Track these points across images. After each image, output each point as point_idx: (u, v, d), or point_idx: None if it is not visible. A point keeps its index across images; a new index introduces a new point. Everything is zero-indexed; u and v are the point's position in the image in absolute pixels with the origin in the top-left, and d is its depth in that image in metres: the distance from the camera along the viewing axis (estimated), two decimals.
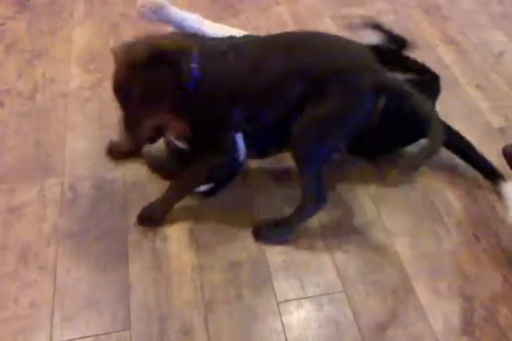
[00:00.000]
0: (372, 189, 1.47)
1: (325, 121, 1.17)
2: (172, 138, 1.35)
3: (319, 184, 1.25)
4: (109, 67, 1.79)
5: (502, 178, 1.45)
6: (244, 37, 1.32)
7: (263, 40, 1.25)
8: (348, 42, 1.23)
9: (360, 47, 1.24)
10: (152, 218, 1.35)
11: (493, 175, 1.48)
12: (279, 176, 1.50)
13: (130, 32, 1.95)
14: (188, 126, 1.21)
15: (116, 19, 2.02)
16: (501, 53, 1.96)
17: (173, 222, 1.37)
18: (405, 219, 1.41)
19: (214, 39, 1.31)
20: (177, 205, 1.37)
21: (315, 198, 1.26)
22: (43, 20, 2.03)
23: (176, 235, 1.34)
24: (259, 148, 1.44)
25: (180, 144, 1.34)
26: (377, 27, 1.52)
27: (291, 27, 1.99)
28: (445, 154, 1.56)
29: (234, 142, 1.30)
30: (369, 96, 1.17)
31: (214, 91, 1.17)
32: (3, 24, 2.00)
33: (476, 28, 2.08)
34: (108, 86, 1.71)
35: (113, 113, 1.63)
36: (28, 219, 1.37)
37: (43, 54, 1.87)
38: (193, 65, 1.14)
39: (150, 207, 1.35)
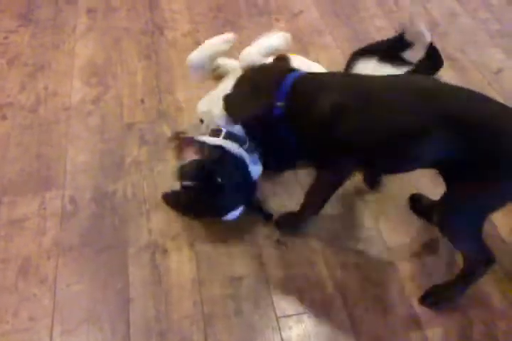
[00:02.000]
0: (372, 204, 1.48)
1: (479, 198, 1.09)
2: None
3: (480, 245, 1.16)
4: (111, 81, 1.83)
5: None
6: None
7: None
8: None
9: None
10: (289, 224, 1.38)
11: None
12: (278, 191, 1.50)
13: (132, 46, 1.98)
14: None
15: (118, 33, 2.04)
16: (499, 70, 1.98)
17: (173, 236, 1.37)
18: (404, 233, 1.41)
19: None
20: (177, 219, 1.38)
21: (483, 259, 1.18)
22: (45, 33, 2.05)
23: (176, 249, 1.34)
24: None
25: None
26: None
27: (291, 44, 2.01)
28: None
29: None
30: None
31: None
32: (6, 37, 2.02)
33: (475, 45, 2.10)
34: (110, 99, 1.76)
35: (114, 126, 1.67)
36: (29, 233, 1.37)
37: (45, 67, 1.89)
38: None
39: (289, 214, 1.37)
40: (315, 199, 1.32)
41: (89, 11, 2.16)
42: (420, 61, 1.26)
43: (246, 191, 1.32)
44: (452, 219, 1.14)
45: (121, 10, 2.17)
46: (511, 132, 1.03)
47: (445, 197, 1.14)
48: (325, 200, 1.31)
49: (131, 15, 2.14)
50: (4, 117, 1.70)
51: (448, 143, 1.05)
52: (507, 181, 1.05)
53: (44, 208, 1.43)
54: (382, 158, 1.16)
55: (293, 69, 1.25)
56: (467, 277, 1.23)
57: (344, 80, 1.18)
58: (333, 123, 1.11)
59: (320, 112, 1.11)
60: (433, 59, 1.47)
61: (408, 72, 1.36)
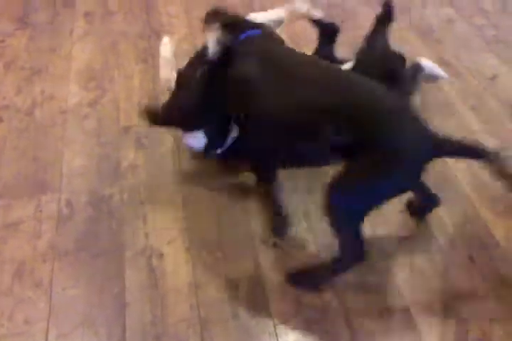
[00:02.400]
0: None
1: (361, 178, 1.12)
2: None
3: (354, 238, 1.18)
4: (108, 85, 1.83)
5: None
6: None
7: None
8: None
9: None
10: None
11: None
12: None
13: (129, 50, 1.98)
14: None
15: (115, 37, 2.04)
16: (495, 76, 1.99)
17: (169, 239, 1.37)
18: (401, 239, 1.41)
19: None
20: (174, 223, 1.38)
21: (351, 254, 1.20)
22: (43, 37, 2.05)
23: (172, 253, 1.34)
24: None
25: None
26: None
27: None
28: (440, 176, 1.58)
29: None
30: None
31: None
32: (3, 41, 2.02)
33: (470, 51, 2.12)
34: (107, 103, 1.76)
35: (111, 130, 1.66)
36: (24, 236, 1.37)
37: (42, 71, 1.89)
38: None
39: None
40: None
41: (87, 14, 2.17)
42: None
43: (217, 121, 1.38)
44: (334, 197, 1.14)
45: (119, 13, 2.17)
46: (390, 123, 1.08)
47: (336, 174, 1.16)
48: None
49: (128, 18, 2.15)
50: (0, 120, 1.70)
51: (341, 128, 1.10)
52: (395, 169, 1.09)
53: (40, 211, 1.43)
54: (291, 136, 1.19)
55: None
56: (332, 266, 1.25)
57: (268, 50, 1.27)
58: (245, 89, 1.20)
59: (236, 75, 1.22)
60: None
61: None
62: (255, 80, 1.19)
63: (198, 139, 1.41)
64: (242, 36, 1.32)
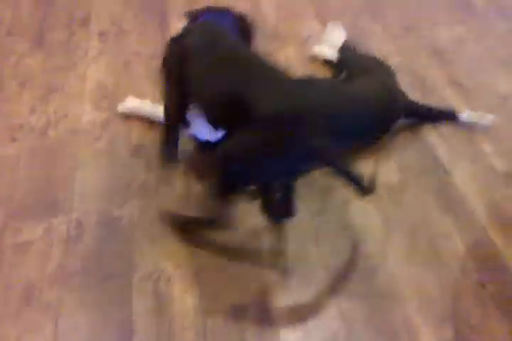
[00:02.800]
0: (377, 233, 1.47)
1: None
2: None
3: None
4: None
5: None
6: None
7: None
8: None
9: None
10: None
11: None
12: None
13: (142, 69, 2.00)
14: None
15: (129, 57, 2.07)
16: (507, 97, 1.98)
17: (177, 264, 1.37)
18: (411, 263, 1.40)
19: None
20: (183, 246, 1.39)
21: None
22: (58, 56, 2.08)
23: (179, 278, 1.34)
24: None
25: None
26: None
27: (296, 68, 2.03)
28: (450, 199, 1.57)
29: None
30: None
31: None
32: (19, 60, 2.05)
33: (481, 71, 2.11)
34: (119, 123, 1.77)
35: (123, 150, 1.68)
36: (34, 258, 1.38)
37: (57, 90, 1.91)
38: None
39: None
40: None
41: (101, 34, 2.20)
42: None
43: None
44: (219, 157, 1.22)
45: (133, 33, 2.20)
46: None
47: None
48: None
49: (141, 38, 2.17)
50: (14, 139, 1.72)
51: None
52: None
53: (50, 232, 1.44)
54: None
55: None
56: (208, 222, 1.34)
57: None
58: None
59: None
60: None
61: None
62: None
63: (200, 129, 1.44)
64: (200, 19, 1.52)
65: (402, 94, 1.77)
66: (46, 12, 2.31)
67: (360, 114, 1.63)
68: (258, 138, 1.16)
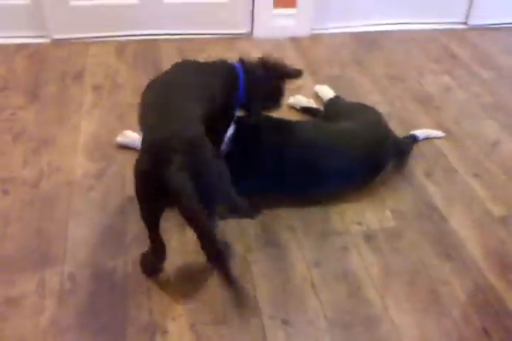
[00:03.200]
0: (377, 279, 1.45)
1: None
2: None
3: None
4: (114, 155, 1.85)
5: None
6: None
7: None
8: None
9: None
10: None
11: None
12: (282, 265, 1.48)
13: (136, 121, 2.01)
14: None
15: (123, 109, 2.09)
16: (496, 143, 2.01)
17: (174, 316, 1.33)
18: (412, 311, 1.38)
19: None
20: (179, 298, 1.35)
21: None
22: (52, 109, 2.10)
23: (176, 330, 1.30)
24: None
25: None
26: None
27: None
28: (448, 244, 1.57)
29: None
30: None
31: None
32: (13, 114, 2.06)
33: (470, 118, 2.16)
34: (112, 174, 1.77)
35: (116, 201, 1.67)
36: (26, 312, 1.33)
37: (49, 143, 1.92)
38: None
39: None
40: None
41: (95, 87, 2.23)
42: None
43: None
44: None
45: (127, 86, 2.24)
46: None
47: None
48: None
49: (135, 91, 2.19)
50: (6, 192, 1.70)
51: None
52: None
53: (42, 286, 1.40)
54: None
55: None
56: None
57: None
58: None
59: None
60: None
61: None
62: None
63: None
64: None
65: (391, 131, 1.80)
66: (40, 67, 2.36)
67: (349, 152, 1.65)
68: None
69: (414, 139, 1.93)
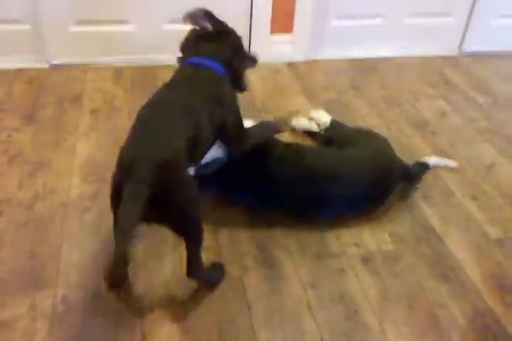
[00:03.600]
0: (375, 303, 1.43)
1: None
2: None
3: None
4: (109, 178, 1.83)
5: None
6: None
7: None
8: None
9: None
10: None
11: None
12: (277, 286, 1.46)
13: None
14: None
15: (120, 133, 2.09)
16: (492, 165, 2.02)
17: (167, 338, 1.31)
18: (411, 336, 1.35)
19: None
20: (173, 323, 1.33)
21: None
22: (48, 132, 2.10)
23: None
24: None
25: None
26: None
27: None
28: (445, 267, 1.55)
29: None
30: None
31: None
32: (9, 136, 2.07)
33: (465, 142, 2.17)
34: (107, 196, 1.75)
35: (110, 223, 1.64)
36: (17, 335, 1.31)
37: (45, 165, 1.91)
38: None
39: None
40: None
41: (93, 111, 2.24)
42: None
43: None
44: None
45: (124, 111, 2.25)
46: None
47: None
48: None
49: (132, 115, 2.19)
50: (0, 214, 1.69)
51: None
52: None
53: (34, 308, 1.37)
54: None
55: None
56: None
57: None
58: None
59: None
60: None
61: None
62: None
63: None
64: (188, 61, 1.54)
65: (397, 157, 1.79)
66: (39, 90, 2.37)
67: (357, 178, 1.65)
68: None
69: (425, 167, 1.91)
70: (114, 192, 1.26)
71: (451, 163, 1.99)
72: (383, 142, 1.82)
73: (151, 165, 1.20)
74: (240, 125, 1.55)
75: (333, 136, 1.97)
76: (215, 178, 1.66)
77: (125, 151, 1.29)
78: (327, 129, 2.06)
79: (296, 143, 1.83)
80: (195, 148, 1.35)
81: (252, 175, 1.65)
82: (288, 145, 1.77)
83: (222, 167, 1.63)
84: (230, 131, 1.50)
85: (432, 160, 1.94)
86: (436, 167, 1.94)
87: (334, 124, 2.07)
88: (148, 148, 1.25)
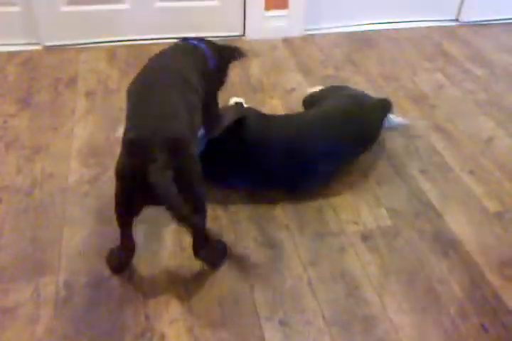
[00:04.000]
0: (374, 279, 1.45)
1: None
2: None
3: None
4: (109, 161, 1.84)
5: None
6: None
7: None
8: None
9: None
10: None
11: None
12: (278, 265, 1.47)
13: None
14: None
15: (117, 114, 2.09)
16: (490, 139, 2.01)
17: (171, 320, 1.32)
18: (410, 310, 1.37)
19: None
20: (175, 302, 1.34)
21: None
22: (44, 116, 2.09)
23: (174, 334, 1.29)
24: None
25: None
26: None
27: None
28: (445, 242, 1.56)
29: None
30: None
31: None
32: (5, 122, 2.06)
33: (464, 115, 2.16)
34: (107, 180, 1.76)
35: (111, 207, 1.65)
36: (21, 321, 1.32)
37: (43, 150, 1.91)
38: None
39: None
40: None
41: (88, 93, 2.23)
42: None
43: None
44: None
45: (119, 92, 2.23)
46: None
47: None
48: None
49: None
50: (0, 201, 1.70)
51: None
52: None
53: (38, 294, 1.39)
54: None
55: None
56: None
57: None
58: None
59: None
60: None
61: None
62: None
63: None
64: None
65: (367, 95, 1.84)
66: (32, 73, 2.35)
67: (333, 128, 1.67)
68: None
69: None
70: (127, 180, 1.23)
71: (404, 121, 2.03)
72: (349, 90, 1.87)
73: (166, 145, 1.18)
74: (216, 106, 1.60)
75: (312, 100, 1.99)
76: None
77: (133, 132, 1.24)
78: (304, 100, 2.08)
79: (265, 115, 1.79)
80: (193, 117, 1.35)
81: (232, 157, 1.64)
82: (259, 117, 1.74)
83: (202, 155, 1.61)
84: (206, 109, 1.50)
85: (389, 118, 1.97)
86: (390, 127, 1.98)
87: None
88: (158, 127, 1.22)
